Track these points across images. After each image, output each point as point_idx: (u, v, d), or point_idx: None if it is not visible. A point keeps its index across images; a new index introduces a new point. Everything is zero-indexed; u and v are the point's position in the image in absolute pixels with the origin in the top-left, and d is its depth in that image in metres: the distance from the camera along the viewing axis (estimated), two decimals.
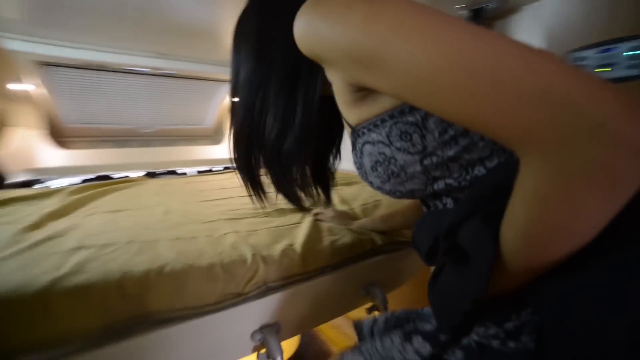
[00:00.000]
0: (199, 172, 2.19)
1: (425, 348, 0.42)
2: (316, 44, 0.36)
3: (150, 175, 2.05)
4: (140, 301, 0.52)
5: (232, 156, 0.56)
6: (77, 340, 0.47)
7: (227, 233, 0.77)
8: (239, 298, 0.59)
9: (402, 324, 0.55)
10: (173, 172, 2.18)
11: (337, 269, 0.74)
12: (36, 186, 1.63)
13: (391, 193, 0.45)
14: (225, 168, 2.24)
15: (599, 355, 0.27)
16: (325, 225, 0.85)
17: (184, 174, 2.13)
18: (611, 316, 0.27)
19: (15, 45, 1.46)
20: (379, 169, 0.42)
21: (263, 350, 0.61)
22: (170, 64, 1.86)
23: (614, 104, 0.22)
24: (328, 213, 0.91)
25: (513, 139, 0.27)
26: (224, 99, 2.42)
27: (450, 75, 0.27)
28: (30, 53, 1.52)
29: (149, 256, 0.60)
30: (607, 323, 0.27)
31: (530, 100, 0.24)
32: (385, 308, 0.75)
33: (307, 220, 0.86)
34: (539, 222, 0.27)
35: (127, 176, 1.93)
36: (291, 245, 0.72)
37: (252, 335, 0.62)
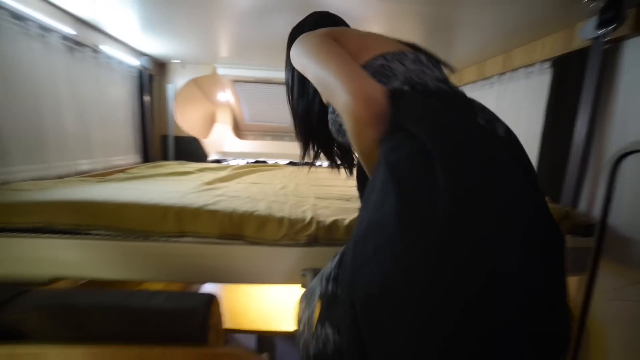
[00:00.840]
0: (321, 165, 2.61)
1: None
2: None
3: (292, 163, 2.61)
4: (239, 227, 0.88)
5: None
6: (210, 236, 0.87)
7: (307, 204, 1.08)
8: (294, 241, 0.88)
9: None
10: (307, 163, 2.67)
11: None
12: (221, 163, 2.44)
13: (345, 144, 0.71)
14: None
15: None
16: None
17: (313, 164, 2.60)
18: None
19: (223, 70, 2.24)
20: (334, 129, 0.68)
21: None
22: None
23: (354, 99, 0.49)
24: None
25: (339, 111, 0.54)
26: None
27: (315, 81, 0.58)
28: (230, 75, 2.28)
29: (250, 206, 0.97)
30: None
31: (337, 98, 0.51)
32: None
33: None
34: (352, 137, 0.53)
35: (276, 162, 2.55)
36: (343, 220, 0.95)
37: (301, 271, 0.89)
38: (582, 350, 1.19)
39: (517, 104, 1.57)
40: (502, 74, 1.67)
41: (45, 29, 1.28)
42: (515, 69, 1.57)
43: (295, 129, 0.83)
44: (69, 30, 1.37)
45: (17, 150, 1.18)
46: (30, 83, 1.23)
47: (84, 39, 1.49)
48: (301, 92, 0.76)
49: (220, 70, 2.25)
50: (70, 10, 1.35)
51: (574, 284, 1.18)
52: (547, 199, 1.26)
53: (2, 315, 0.61)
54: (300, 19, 1.01)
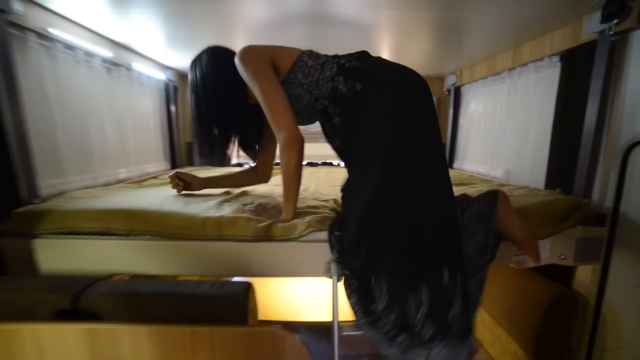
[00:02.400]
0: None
1: None
2: (240, 73, 0.98)
3: (311, 164, 2.70)
4: (269, 230, 0.98)
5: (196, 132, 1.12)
6: (245, 240, 0.97)
7: (328, 205, 1.17)
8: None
9: None
10: (329, 164, 2.74)
11: None
12: (243, 167, 2.56)
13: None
14: None
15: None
16: None
17: (331, 164, 2.68)
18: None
19: None
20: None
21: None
22: None
23: (287, 135, 0.93)
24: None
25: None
26: None
27: (262, 104, 0.95)
28: None
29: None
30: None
31: (275, 131, 0.95)
32: None
33: None
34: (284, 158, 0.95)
35: None
36: None
37: (325, 264, 0.98)
38: (599, 337, 1.22)
39: (528, 98, 1.60)
40: (512, 69, 1.70)
41: (89, 54, 1.44)
42: (525, 64, 1.60)
43: (214, 124, 1.11)
44: (107, 53, 1.53)
45: (70, 162, 1.34)
46: (79, 102, 1.39)
47: (119, 59, 1.64)
48: (230, 90, 1.07)
49: None
50: (108, 35, 1.50)
51: (588, 272, 1.21)
52: (558, 191, 1.29)
53: (81, 300, 0.74)
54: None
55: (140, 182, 1.73)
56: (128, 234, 0.99)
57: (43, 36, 1.19)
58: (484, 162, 2.01)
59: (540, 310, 1.29)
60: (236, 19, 1.36)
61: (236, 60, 0.99)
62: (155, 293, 0.76)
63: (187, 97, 2.44)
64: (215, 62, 1.08)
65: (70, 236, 0.99)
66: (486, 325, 1.65)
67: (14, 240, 0.99)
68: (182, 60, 2.03)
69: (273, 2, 1.18)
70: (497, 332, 1.56)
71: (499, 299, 1.58)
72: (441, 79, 2.47)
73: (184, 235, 0.97)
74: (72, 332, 0.73)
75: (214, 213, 1.03)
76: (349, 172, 0.97)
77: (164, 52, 1.85)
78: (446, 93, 2.45)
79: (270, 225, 0.97)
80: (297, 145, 0.93)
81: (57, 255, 1.00)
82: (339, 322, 0.94)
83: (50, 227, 0.99)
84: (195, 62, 1.10)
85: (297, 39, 1.53)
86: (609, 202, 1.17)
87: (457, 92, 2.35)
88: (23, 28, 1.11)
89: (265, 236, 0.96)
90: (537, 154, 1.51)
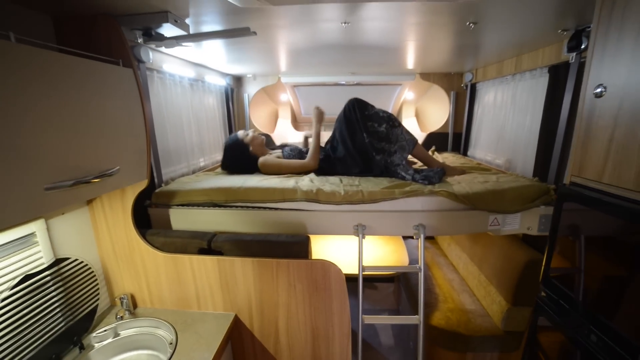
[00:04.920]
0: None
1: None
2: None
3: None
4: (317, 195, 1.48)
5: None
6: (301, 201, 1.49)
7: (356, 183, 1.64)
8: (343, 205, 1.46)
9: None
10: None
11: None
12: None
13: None
14: None
15: None
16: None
17: None
18: None
19: (285, 79, 2.83)
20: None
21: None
22: (358, 78, 2.82)
23: (310, 162, 1.67)
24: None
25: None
26: (399, 97, 3.18)
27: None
28: (291, 82, 2.87)
29: (320, 184, 1.57)
30: None
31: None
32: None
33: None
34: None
35: None
36: (380, 189, 1.49)
37: (353, 227, 1.47)
38: None
39: (525, 99, 1.92)
40: (515, 74, 2.01)
41: (181, 77, 1.97)
42: (523, 71, 1.91)
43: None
44: (192, 74, 2.05)
45: (175, 156, 1.91)
46: (176, 112, 1.94)
47: (197, 76, 2.17)
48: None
49: (284, 79, 2.84)
50: (192, 60, 2.02)
51: None
52: (537, 179, 1.66)
53: (212, 243, 1.30)
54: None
55: (213, 169, 2.29)
56: (224, 204, 1.53)
57: (159, 71, 1.73)
58: (490, 151, 2.35)
59: (518, 270, 1.71)
60: (280, 45, 1.79)
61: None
62: (254, 240, 1.29)
63: (241, 96, 2.97)
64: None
65: (188, 207, 1.56)
66: (482, 284, 2.09)
67: (156, 209, 1.57)
68: (237, 68, 2.53)
69: (310, 36, 1.58)
70: (489, 289, 1.99)
71: (491, 263, 2.00)
72: (460, 75, 2.77)
73: (260, 201, 1.50)
74: (209, 261, 1.29)
75: (280, 185, 1.55)
76: None
77: (225, 65, 2.34)
78: (464, 87, 2.75)
79: (317, 192, 1.47)
80: None
81: (181, 219, 1.57)
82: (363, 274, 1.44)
83: (176, 201, 1.56)
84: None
85: (329, 55, 1.95)
86: None
87: (473, 88, 2.66)
88: (151, 69, 1.65)
89: (314, 200, 1.46)
90: (529, 147, 1.86)
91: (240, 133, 2.05)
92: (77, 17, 1.11)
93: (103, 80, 1.02)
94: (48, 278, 1.10)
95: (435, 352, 1.93)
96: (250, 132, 2.06)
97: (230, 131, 2.86)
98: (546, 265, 1.16)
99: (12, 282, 0.98)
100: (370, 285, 3.16)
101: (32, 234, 1.06)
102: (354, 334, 1.40)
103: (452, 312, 2.01)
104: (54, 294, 1.12)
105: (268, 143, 3.08)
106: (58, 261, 1.15)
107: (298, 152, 2.11)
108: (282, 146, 2.27)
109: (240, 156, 1.98)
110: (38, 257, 1.07)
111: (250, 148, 2.00)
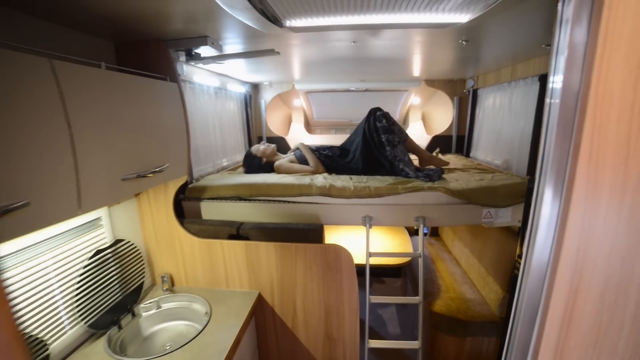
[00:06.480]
0: None
1: None
2: None
3: None
4: (330, 190, 1.69)
5: None
6: (316, 195, 1.70)
7: (364, 180, 1.84)
8: (352, 198, 1.66)
9: None
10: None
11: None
12: None
13: None
14: None
15: None
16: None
17: None
18: None
19: (299, 86, 3.06)
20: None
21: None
22: (367, 84, 3.03)
23: (317, 169, 1.97)
24: None
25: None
26: (406, 102, 3.37)
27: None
28: (304, 88, 3.09)
29: (332, 181, 1.78)
30: None
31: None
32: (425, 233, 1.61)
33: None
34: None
35: None
36: (385, 185, 1.70)
37: (362, 218, 1.68)
38: None
39: (519, 105, 2.10)
40: (510, 81, 2.19)
41: (208, 86, 2.22)
42: (518, 79, 2.09)
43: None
44: (216, 83, 2.30)
45: (202, 157, 2.15)
46: (204, 118, 2.18)
47: (221, 85, 2.41)
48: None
49: (297, 86, 3.07)
50: (218, 71, 2.27)
51: None
52: (528, 177, 1.83)
53: (240, 230, 1.53)
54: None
55: (235, 168, 2.53)
56: (249, 198, 1.76)
57: (190, 82, 1.98)
58: (490, 152, 2.53)
59: (512, 261, 1.88)
60: (294, 58, 2.01)
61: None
62: (276, 227, 1.52)
63: (258, 102, 3.21)
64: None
65: (217, 200, 1.79)
66: (481, 275, 2.26)
67: (189, 202, 1.81)
68: (255, 77, 2.77)
69: (322, 52, 1.80)
70: (487, 279, 2.16)
71: (490, 256, 2.17)
72: (463, 81, 2.95)
73: (280, 195, 1.72)
74: (237, 245, 1.52)
75: (297, 182, 1.77)
76: None
77: (245, 74, 2.59)
78: (467, 93, 2.93)
79: (330, 187, 1.68)
80: None
81: (210, 211, 1.80)
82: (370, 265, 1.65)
83: (207, 195, 1.80)
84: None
85: (340, 66, 2.16)
86: None
87: (475, 94, 2.83)
88: (184, 80, 1.90)
89: (327, 194, 1.68)
90: (523, 148, 2.03)
91: (253, 149, 2.32)
92: (134, 42, 1.36)
93: (156, 93, 1.26)
94: (110, 255, 1.34)
95: (437, 336, 2.11)
96: (262, 146, 2.32)
97: (249, 134, 3.10)
98: None
99: (89, 254, 1.23)
100: (378, 280, 3.35)
101: (99, 218, 1.30)
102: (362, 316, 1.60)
103: (453, 300, 2.18)
104: (113, 268, 1.36)
105: (281, 146, 3.33)
106: (117, 242, 1.39)
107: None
108: (295, 149, 2.49)
109: (257, 165, 2.28)
110: (102, 237, 1.32)
111: (264, 160, 2.27)
